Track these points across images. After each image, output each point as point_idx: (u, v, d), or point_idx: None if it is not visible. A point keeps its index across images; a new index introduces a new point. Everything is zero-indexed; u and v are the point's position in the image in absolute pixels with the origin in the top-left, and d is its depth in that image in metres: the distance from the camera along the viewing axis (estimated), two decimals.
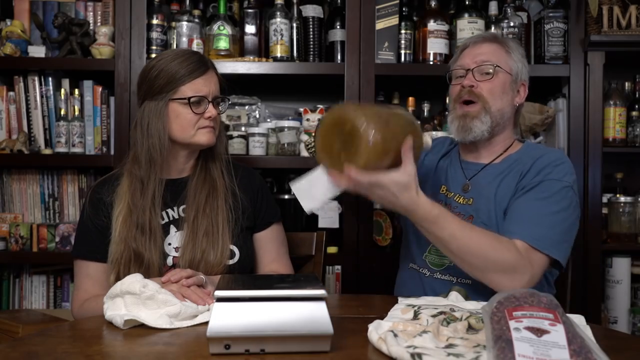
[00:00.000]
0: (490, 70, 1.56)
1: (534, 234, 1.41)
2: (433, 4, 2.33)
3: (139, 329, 1.15)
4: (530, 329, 0.86)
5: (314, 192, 1.34)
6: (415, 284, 1.62)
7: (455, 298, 1.34)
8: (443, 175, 1.68)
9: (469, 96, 1.56)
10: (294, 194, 1.33)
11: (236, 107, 2.46)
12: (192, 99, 1.53)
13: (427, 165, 1.72)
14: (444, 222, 1.34)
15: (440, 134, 2.24)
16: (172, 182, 1.61)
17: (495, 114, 1.56)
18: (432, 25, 2.30)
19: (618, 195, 2.40)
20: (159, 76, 1.53)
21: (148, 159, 1.53)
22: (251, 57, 2.32)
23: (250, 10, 2.38)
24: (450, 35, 2.34)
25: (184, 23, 2.30)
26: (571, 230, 1.49)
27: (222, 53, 2.28)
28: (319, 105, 2.32)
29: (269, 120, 2.47)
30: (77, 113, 2.31)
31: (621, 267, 2.34)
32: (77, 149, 2.29)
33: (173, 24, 2.32)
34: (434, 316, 1.12)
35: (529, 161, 1.54)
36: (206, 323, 0.99)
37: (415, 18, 2.41)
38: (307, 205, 1.36)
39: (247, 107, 2.49)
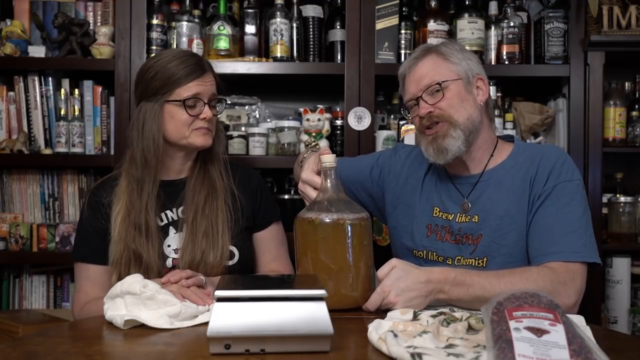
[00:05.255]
0: (438, 89, 1.46)
1: (570, 248, 1.37)
2: (433, 4, 2.33)
3: (139, 329, 1.15)
4: (530, 329, 0.86)
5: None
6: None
7: None
8: (433, 194, 1.57)
9: (431, 121, 1.47)
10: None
11: (236, 107, 2.46)
12: (187, 101, 1.52)
13: (412, 184, 1.62)
14: (467, 279, 1.28)
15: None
16: (170, 183, 1.61)
17: (465, 123, 1.46)
18: (432, 25, 2.30)
19: (618, 195, 2.40)
20: (155, 77, 1.53)
21: (143, 160, 1.53)
22: (251, 57, 2.32)
23: (250, 10, 2.38)
24: (450, 35, 2.34)
25: (184, 23, 2.30)
26: (591, 224, 1.45)
27: (222, 53, 2.28)
28: (319, 105, 2.32)
29: (269, 120, 2.47)
30: (77, 113, 2.31)
31: (621, 267, 2.34)
32: (77, 149, 2.29)
33: (173, 24, 2.32)
34: (433, 316, 1.12)
35: (531, 164, 1.47)
36: (206, 323, 0.99)
37: (415, 18, 2.41)
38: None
39: (247, 107, 2.49)
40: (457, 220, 1.51)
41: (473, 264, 1.47)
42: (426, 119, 1.48)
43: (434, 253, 1.52)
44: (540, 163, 1.47)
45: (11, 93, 2.35)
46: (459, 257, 1.49)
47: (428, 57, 1.51)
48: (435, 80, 1.47)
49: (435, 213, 1.55)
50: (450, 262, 1.49)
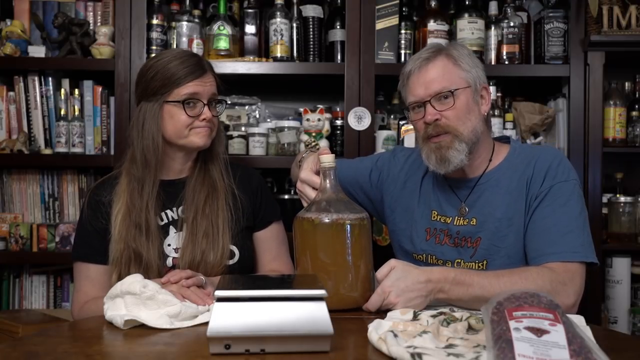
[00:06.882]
0: (448, 96, 1.43)
1: (569, 248, 1.37)
2: (433, 4, 2.33)
3: (139, 329, 1.15)
4: (530, 329, 0.86)
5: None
6: None
7: None
8: (430, 198, 1.57)
9: (436, 131, 1.45)
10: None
11: (236, 107, 2.46)
12: (186, 101, 1.52)
13: (410, 188, 1.62)
14: (467, 279, 1.28)
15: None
16: (170, 183, 1.61)
17: (469, 136, 1.44)
18: (432, 25, 2.30)
19: (618, 195, 2.40)
20: (155, 77, 1.53)
21: (143, 159, 1.53)
22: (251, 57, 2.32)
23: (250, 10, 2.38)
24: (450, 35, 2.34)
25: (184, 23, 2.30)
26: (588, 224, 1.45)
27: (222, 53, 2.28)
28: (319, 105, 2.32)
29: (269, 120, 2.47)
30: (77, 113, 2.31)
31: (621, 267, 2.34)
32: (77, 149, 2.29)
33: (173, 24, 2.32)
34: (433, 316, 1.12)
35: (527, 166, 1.47)
36: (206, 323, 0.99)
37: (415, 18, 2.41)
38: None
39: (247, 107, 2.49)
40: (455, 224, 1.51)
41: (473, 268, 1.47)
42: (432, 127, 1.45)
43: (434, 257, 1.52)
44: (536, 164, 1.47)
45: (11, 93, 2.35)
46: (459, 260, 1.49)
47: (439, 59, 1.46)
48: (446, 87, 1.43)
49: (434, 217, 1.55)
50: (450, 266, 1.49)
